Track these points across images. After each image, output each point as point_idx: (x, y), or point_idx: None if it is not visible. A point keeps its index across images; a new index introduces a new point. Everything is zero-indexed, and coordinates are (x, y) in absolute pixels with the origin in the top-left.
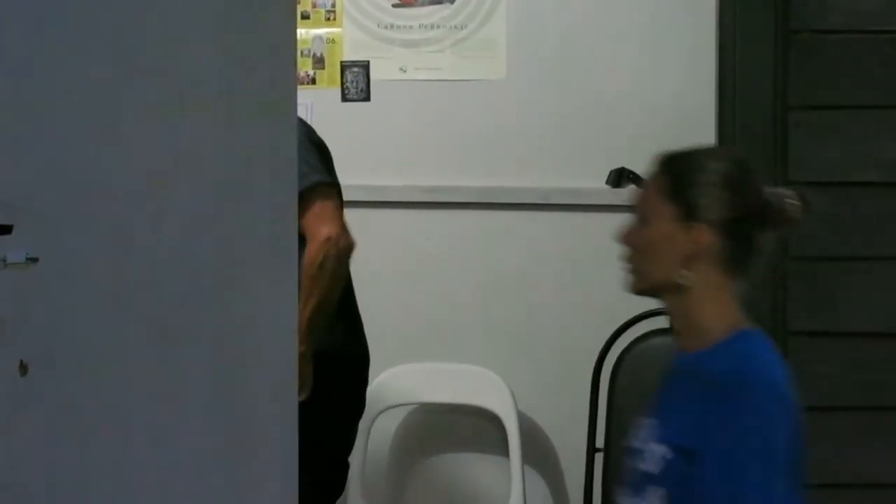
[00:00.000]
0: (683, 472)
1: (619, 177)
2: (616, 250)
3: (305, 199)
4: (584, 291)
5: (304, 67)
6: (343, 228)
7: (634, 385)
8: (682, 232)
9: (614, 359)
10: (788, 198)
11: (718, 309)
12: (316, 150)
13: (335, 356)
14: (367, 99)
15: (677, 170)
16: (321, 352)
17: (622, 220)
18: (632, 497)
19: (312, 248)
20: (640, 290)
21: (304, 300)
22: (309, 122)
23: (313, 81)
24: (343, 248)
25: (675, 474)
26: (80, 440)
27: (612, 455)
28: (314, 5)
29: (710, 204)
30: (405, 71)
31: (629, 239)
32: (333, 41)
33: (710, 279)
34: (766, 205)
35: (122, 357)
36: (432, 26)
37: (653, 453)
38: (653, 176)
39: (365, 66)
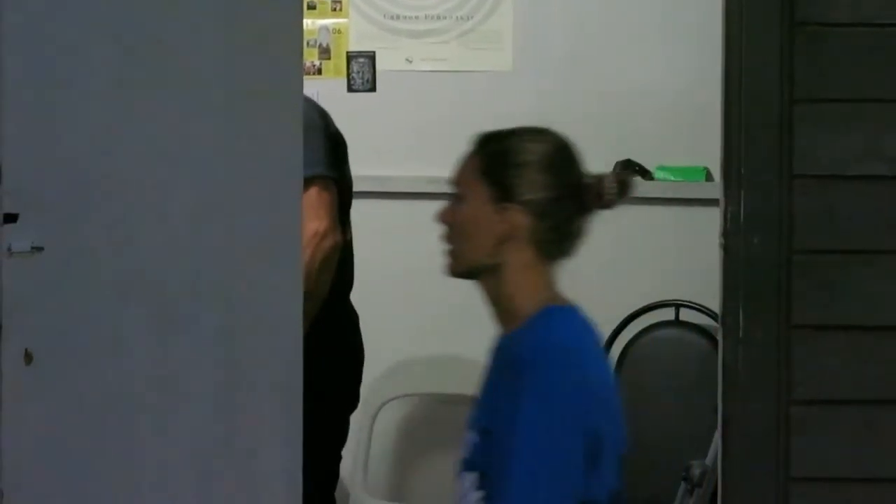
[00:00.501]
0: (487, 453)
1: (625, 168)
2: (623, 242)
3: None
4: (589, 283)
5: (310, 58)
6: (332, 225)
7: (639, 377)
8: (496, 213)
9: (619, 350)
10: (607, 181)
11: (530, 289)
12: (327, 142)
13: (329, 351)
14: (373, 89)
15: (493, 150)
16: (315, 346)
17: (627, 211)
18: (456, 483)
19: (308, 237)
20: (457, 272)
21: None
22: None
23: (319, 72)
24: (327, 246)
25: (483, 457)
26: (84, 428)
27: None
28: None
29: (525, 185)
30: (411, 62)
31: (445, 218)
32: (339, 31)
33: (523, 259)
34: (583, 188)
35: (127, 346)
36: (438, 17)
37: (466, 438)
38: (469, 155)
39: (371, 56)
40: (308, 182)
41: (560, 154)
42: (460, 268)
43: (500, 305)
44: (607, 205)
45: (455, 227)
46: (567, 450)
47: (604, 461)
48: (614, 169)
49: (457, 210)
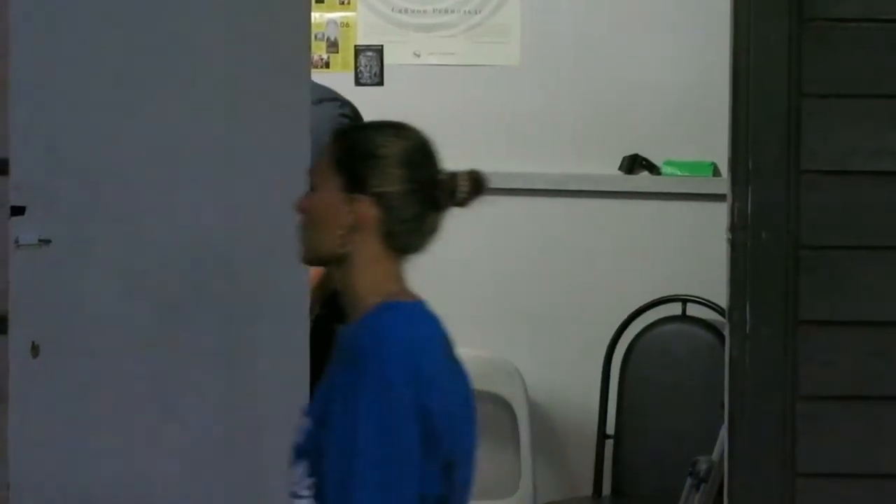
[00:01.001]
0: (318, 442)
1: (633, 163)
2: (630, 237)
3: None
4: (597, 278)
5: (318, 51)
6: None
7: (646, 372)
8: (346, 203)
9: (626, 345)
10: (461, 179)
11: (375, 281)
12: None
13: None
14: (381, 83)
15: (350, 141)
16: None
17: (635, 206)
18: (289, 469)
19: None
20: (307, 259)
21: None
22: None
23: (327, 65)
24: None
25: (314, 445)
26: (90, 419)
27: (622, 442)
28: None
29: (376, 177)
30: (419, 56)
31: (300, 205)
32: (347, 25)
33: (371, 251)
34: (436, 184)
35: (132, 338)
36: (446, 11)
37: (302, 425)
38: (329, 145)
39: (379, 50)
40: None
41: (416, 150)
42: (310, 255)
43: (347, 296)
44: (460, 203)
45: (307, 215)
46: (406, 440)
47: (438, 456)
48: (623, 163)
49: (310, 199)
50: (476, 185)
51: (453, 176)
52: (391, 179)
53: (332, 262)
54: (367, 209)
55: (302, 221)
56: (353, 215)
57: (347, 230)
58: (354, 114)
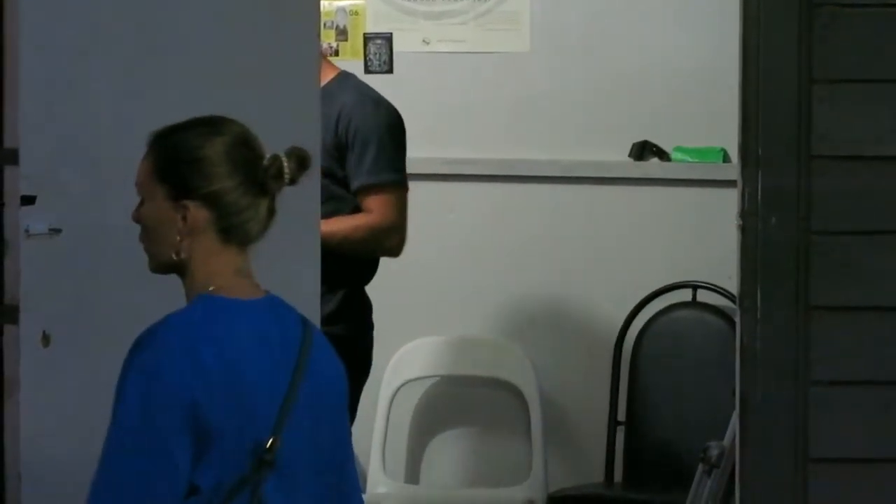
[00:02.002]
0: None
1: (643, 150)
2: (640, 223)
3: (392, 188)
4: (607, 264)
5: (327, 39)
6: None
7: (657, 358)
8: (174, 211)
9: (636, 332)
10: (286, 161)
11: (208, 276)
12: (403, 150)
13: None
14: (390, 71)
15: (164, 150)
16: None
17: (645, 193)
18: None
19: (374, 221)
20: (154, 269)
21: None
22: None
23: (336, 53)
24: (397, 243)
25: None
26: (101, 408)
27: (633, 428)
28: None
29: (199, 180)
30: (428, 43)
31: (135, 217)
32: (356, 13)
33: (207, 249)
34: (261, 172)
35: (143, 327)
36: None
37: None
38: (145, 156)
39: (388, 37)
40: (399, 185)
41: (234, 144)
42: (153, 265)
43: (186, 295)
44: (291, 182)
45: (143, 227)
46: (160, 427)
47: (213, 450)
48: (633, 150)
49: (141, 211)
50: (301, 161)
51: (275, 159)
52: (215, 178)
53: (175, 269)
54: (197, 212)
55: (141, 234)
56: (183, 222)
57: (182, 236)
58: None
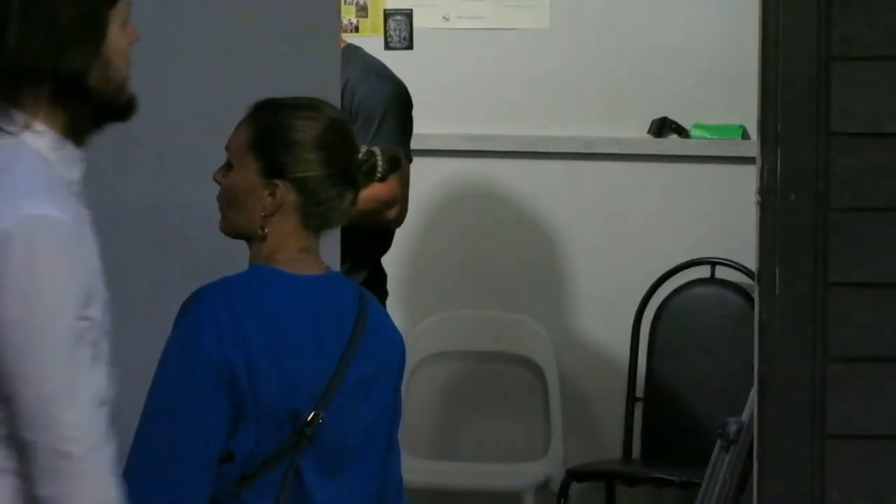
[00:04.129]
0: None
1: (662, 126)
2: (659, 200)
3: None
4: (625, 241)
5: (348, 15)
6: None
7: (675, 334)
8: (264, 187)
9: (655, 308)
10: (378, 160)
11: (276, 250)
12: (409, 122)
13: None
14: (410, 47)
15: (265, 124)
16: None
17: (664, 169)
18: None
19: (377, 192)
20: (228, 233)
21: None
22: None
23: (356, 29)
24: (392, 217)
25: None
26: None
27: (652, 404)
28: None
29: (294, 163)
30: (448, 19)
31: (218, 179)
32: None
33: (286, 229)
34: (353, 166)
35: (165, 303)
36: None
37: None
38: (243, 124)
39: (408, 14)
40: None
41: (331, 132)
42: (229, 229)
43: (250, 262)
44: (381, 180)
45: (227, 192)
46: (195, 388)
47: (250, 417)
48: (652, 126)
49: (229, 177)
50: (393, 162)
51: (370, 155)
52: (308, 165)
53: (249, 238)
54: (285, 194)
55: (221, 195)
56: (271, 199)
57: (266, 213)
58: (402, 87)
